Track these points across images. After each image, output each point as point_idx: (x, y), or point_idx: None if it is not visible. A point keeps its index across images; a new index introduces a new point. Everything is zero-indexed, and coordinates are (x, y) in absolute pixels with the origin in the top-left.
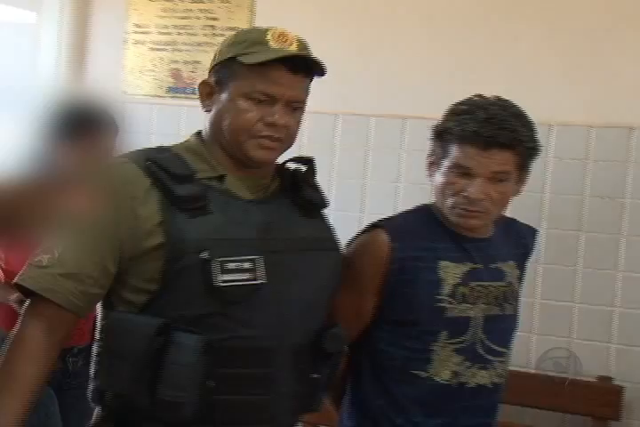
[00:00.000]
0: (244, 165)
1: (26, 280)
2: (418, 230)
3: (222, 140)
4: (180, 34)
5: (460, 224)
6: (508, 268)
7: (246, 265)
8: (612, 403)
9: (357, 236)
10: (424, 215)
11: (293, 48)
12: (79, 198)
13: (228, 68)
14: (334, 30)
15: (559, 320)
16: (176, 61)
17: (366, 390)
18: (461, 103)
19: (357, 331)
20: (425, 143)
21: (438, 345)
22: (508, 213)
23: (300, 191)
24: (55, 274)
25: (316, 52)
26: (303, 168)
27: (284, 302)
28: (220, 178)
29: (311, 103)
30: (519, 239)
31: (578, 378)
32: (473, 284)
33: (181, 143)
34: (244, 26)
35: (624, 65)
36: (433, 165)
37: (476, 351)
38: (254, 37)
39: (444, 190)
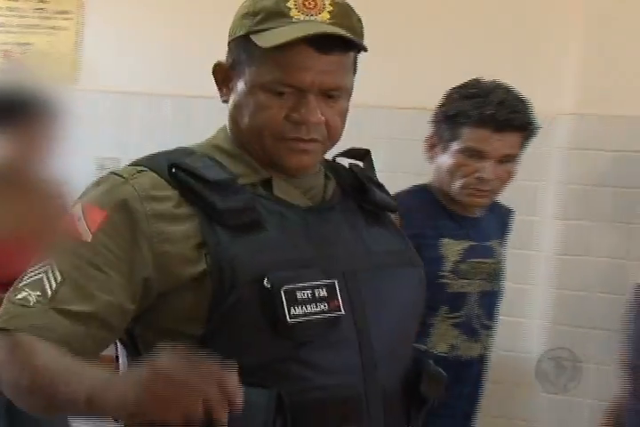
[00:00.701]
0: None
1: (17, 320)
2: (420, 209)
3: (246, 143)
4: (8, 16)
5: (470, 203)
6: (497, 246)
7: (320, 293)
8: None
9: None
10: (423, 195)
11: (323, 17)
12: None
13: (241, 48)
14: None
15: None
16: (6, 43)
17: None
18: (466, 86)
19: None
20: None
21: (438, 320)
22: None
23: (365, 192)
24: (47, 309)
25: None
26: (359, 163)
27: (367, 336)
28: (266, 183)
29: None
30: (501, 219)
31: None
32: (471, 260)
33: (207, 142)
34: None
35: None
36: (435, 147)
37: (471, 326)
38: (271, 6)
39: (453, 172)
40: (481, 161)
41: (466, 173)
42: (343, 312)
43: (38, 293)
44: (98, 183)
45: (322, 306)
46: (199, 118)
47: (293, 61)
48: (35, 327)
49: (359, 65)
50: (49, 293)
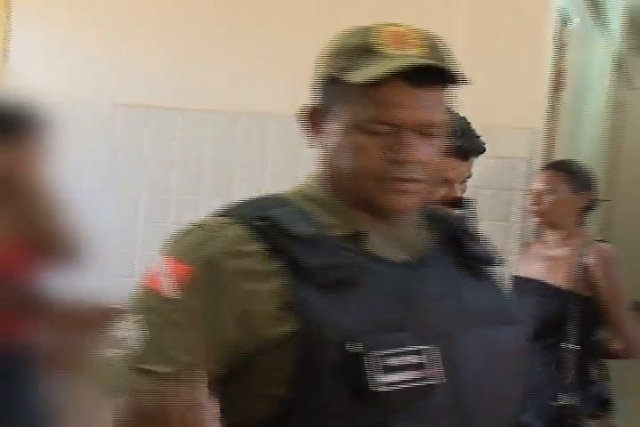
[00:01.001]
0: (379, 217)
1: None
2: None
3: (341, 187)
4: None
5: None
6: None
7: (411, 360)
8: None
9: None
10: None
11: (415, 50)
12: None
13: (331, 90)
14: None
15: None
16: None
17: None
18: None
19: None
20: None
21: None
22: None
23: (461, 246)
24: (126, 368)
25: None
26: (458, 212)
27: (465, 405)
28: (357, 236)
29: None
30: None
31: None
32: None
33: (298, 190)
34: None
35: None
36: None
37: None
38: (358, 43)
39: None
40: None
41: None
42: (436, 381)
43: (121, 351)
44: (182, 235)
45: (413, 374)
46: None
47: (388, 97)
48: (114, 388)
49: None
50: (132, 353)
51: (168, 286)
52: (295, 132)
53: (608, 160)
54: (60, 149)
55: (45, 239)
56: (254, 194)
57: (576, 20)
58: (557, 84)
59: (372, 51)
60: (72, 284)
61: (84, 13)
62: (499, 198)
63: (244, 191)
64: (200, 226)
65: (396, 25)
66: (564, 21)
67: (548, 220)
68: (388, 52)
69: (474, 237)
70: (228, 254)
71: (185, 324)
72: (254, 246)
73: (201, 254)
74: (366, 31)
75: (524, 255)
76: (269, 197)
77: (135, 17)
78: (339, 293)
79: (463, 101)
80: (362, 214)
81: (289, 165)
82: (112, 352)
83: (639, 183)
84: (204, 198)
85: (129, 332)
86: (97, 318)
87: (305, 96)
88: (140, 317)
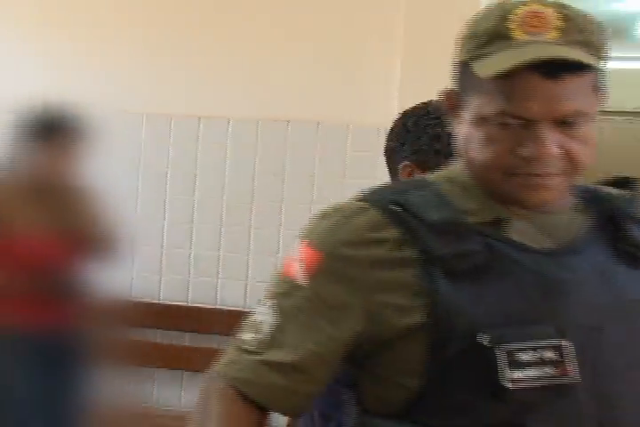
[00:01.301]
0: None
1: (229, 367)
2: None
3: (476, 176)
4: None
5: None
6: None
7: (548, 355)
8: None
9: None
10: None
11: (551, 35)
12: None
13: (464, 75)
14: None
15: None
16: None
17: None
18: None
19: None
20: None
21: None
22: None
23: (619, 229)
24: (255, 360)
25: None
26: (619, 192)
27: (611, 408)
28: (497, 222)
29: None
30: None
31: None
32: None
33: (444, 173)
34: None
35: None
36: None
37: None
38: (491, 27)
39: None
40: None
41: None
42: (575, 380)
43: (253, 335)
44: (321, 218)
45: (549, 370)
46: None
47: (518, 90)
48: (239, 380)
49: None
50: (261, 337)
51: (299, 272)
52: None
53: None
54: (95, 152)
55: (82, 234)
56: (275, 198)
57: None
58: None
59: (504, 36)
60: (107, 277)
61: (102, 22)
62: None
63: (264, 195)
64: (336, 209)
65: (537, 2)
66: None
67: None
68: (520, 38)
69: (636, 220)
70: (359, 241)
71: (313, 313)
72: (388, 233)
73: (331, 240)
74: (502, 10)
75: None
76: (414, 179)
77: (159, 32)
78: (472, 281)
79: (406, 103)
80: (498, 199)
81: (334, 170)
82: (246, 334)
83: None
84: (226, 200)
85: (263, 316)
86: (125, 311)
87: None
88: (274, 301)
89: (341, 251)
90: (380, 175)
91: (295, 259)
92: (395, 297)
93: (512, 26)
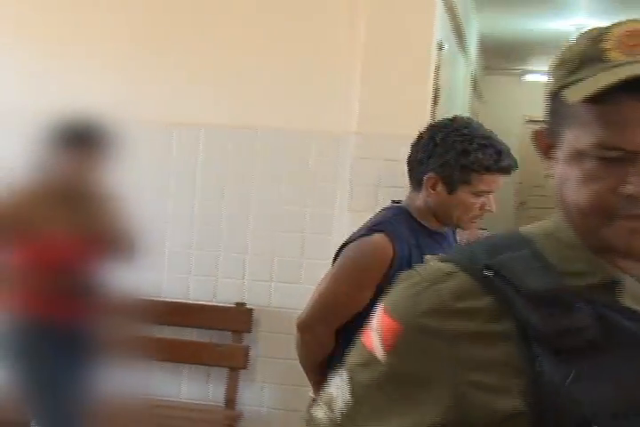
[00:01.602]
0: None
1: None
2: (406, 232)
3: (575, 225)
4: None
5: (470, 228)
6: None
7: None
8: (245, 320)
9: (353, 239)
10: (404, 216)
11: None
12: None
13: (554, 108)
14: None
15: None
16: None
17: None
18: (461, 131)
19: (349, 316)
20: None
21: None
22: None
23: None
24: None
25: None
26: None
27: None
28: (610, 285)
29: None
30: (453, 232)
31: (222, 304)
32: None
33: (542, 225)
34: None
35: None
36: (436, 186)
37: None
38: (585, 49)
39: (467, 209)
40: (484, 197)
41: (476, 208)
42: None
43: (325, 412)
44: (402, 280)
45: None
46: None
47: (616, 117)
48: None
49: None
50: (333, 416)
51: (377, 344)
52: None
53: None
54: (122, 160)
55: (105, 238)
56: (295, 207)
57: (446, 47)
58: (435, 98)
59: (599, 58)
60: (127, 277)
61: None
62: (395, 195)
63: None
64: (420, 272)
65: (636, 21)
66: (440, 47)
67: None
68: (617, 58)
69: None
70: (445, 311)
71: (391, 392)
72: (480, 302)
73: (413, 309)
74: (596, 32)
75: None
76: (508, 235)
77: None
78: (583, 362)
79: (365, 113)
80: (614, 257)
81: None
82: (319, 410)
83: None
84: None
85: (338, 390)
86: (143, 309)
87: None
88: (350, 374)
89: (424, 322)
90: (341, 179)
91: (373, 328)
92: (488, 377)
93: (607, 46)
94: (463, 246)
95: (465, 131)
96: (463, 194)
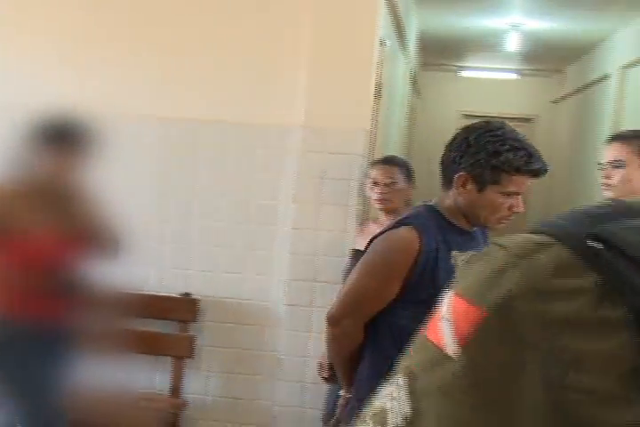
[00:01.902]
0: None
1: None
2: (434, 227)
3: None
4: None
5: (498, 228)
6: None
7: None
8: (191, 310)
9: (382, 231)
10: (433, 214)
11: None
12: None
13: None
14: None
15: None
16: None
17: (387, 354)
18: (494, 133)
19: (377, 309)
20: None
21: None
22: None
23: None
24: None
25: None
26: None
27: None
28: None
29: None
30: (483, 231)
31: (167, 294)
32: None
33: None
34: None
35: None
36: (466, 184)
37: None
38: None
39: (496, 209)
40: (513, 198)
41: (505, 208)
42: None
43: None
44: (479, 257)
45: None
46: None
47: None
48: None
49: None
50: None
51: (449, 337)
52: None
53: (405, 154)
54: (105, 157)
55: (88, 234)
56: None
57: (388, 43)
58: (377, 94)
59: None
60: (110, 273)
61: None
62: (340, 187)
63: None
64: (503, 246)
65: None
66: (382, 43)
67: (390, 207)
68: None
69: None
70: (539, 292)
71: (469, 397)
72: (584, 281)
73: (498, 290)
74: None
75: (360, 232)
76: (610, 203)
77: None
78: None
79: (311, 107)
80: None
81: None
82: None
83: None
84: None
85: (393, 402)
86: (130, 305)
87: None
88: (408, 380)
89: (513, 305)
90: (287, 172)
91: (443, 318)
92: (598, 378)
93: None
94: (559, 214)
95: (498, 132)
96: (492, 194)
